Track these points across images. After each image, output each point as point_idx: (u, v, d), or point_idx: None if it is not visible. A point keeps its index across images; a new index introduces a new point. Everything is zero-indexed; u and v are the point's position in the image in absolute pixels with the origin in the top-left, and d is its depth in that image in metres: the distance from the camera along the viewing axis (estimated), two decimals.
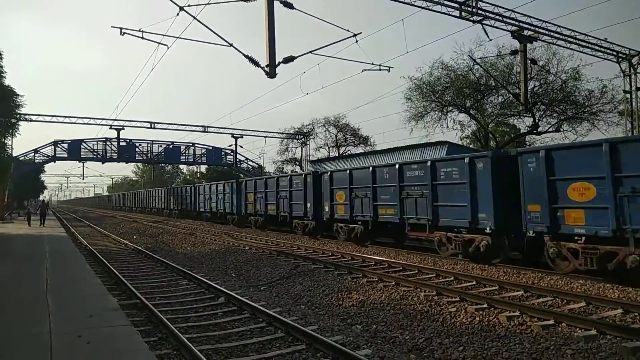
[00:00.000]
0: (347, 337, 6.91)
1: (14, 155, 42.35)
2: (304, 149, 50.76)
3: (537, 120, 29.52)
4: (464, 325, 7.20)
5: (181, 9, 13.75)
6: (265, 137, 50.11)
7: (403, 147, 30.64)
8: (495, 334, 6.73)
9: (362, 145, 48.35)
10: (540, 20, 20.52)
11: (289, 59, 14.17)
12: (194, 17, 13.93)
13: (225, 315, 8.21)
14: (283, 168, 53.19)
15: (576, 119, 29.00)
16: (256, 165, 53.98)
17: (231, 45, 14.18)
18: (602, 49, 23.24)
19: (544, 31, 20.81)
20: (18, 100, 32.81)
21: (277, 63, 13.56)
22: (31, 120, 40.27)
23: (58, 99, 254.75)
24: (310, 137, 50.14)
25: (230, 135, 49.68)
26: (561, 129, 29.78)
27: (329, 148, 49.41)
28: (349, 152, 46.99)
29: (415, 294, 9.00)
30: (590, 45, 22.70)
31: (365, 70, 18.82)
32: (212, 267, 14.44)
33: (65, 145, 44.96)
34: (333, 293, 9.71)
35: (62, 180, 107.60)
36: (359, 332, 7.30)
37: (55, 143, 44.46)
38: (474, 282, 10.16)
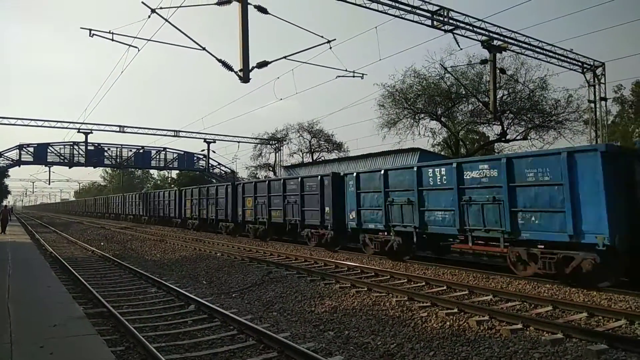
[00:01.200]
0: (319, 344, 6.87)
1: None
2: (277, 154, 50.62)
3: (505, 129, 30.24)
4: (435, 330, 7.26)
5: (153, 11, 13.54)
6: (238, 142, 49.77)
7: (376, 153, 30.83)
8: (465, 338, 6.80)
9: (336, 151, 48.52)
10: (509, 30, 21.07)
11: (262, 64, 14.11)
12: (166, 20, 13.74)
13: (195, 323, 8.06)
14: (256, 174, 52.86)
15: (543, 128, 29.82)
16: (229, 171, 53.53)
17: (204, 48, 14.04)
18: (568, 60, 23.99)
19: (512, 41, 21.36)
20: None
21: (250, 68, 13.48)
22: None
23: (24, 100, 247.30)
24: (284, 142, 50.04)
25: (203, 140, 49.15)
26: (528, 137, 30.57)
27: (302, 154, 49.42)
28: (322, 158, 47.07)
29: (387, 300, 9.03)
30: (557, 56, 23.41)
31: (339, 76, 18.92)
32: (183, 274, 14.19)
33: (31, 149, 43.71)
34: (305, 299, 9.67)
35: (27, 185, 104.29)
36: (331, 339, 7.27)
37: (20, 147, 43.15)
38: (445, 287, 10.28)
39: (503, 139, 30.92)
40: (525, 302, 8.73)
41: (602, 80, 24.88)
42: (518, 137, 31.02)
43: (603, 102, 25.22)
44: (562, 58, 23.67)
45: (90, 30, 15.11)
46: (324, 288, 10.42)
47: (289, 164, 46.49)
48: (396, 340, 6.98)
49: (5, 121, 39.90)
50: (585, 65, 24.61)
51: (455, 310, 8.08)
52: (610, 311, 7.76)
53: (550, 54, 23.13)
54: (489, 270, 12.22)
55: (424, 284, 10.82)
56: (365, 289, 10.16)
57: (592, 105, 25.18)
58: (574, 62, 24.31)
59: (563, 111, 28.95)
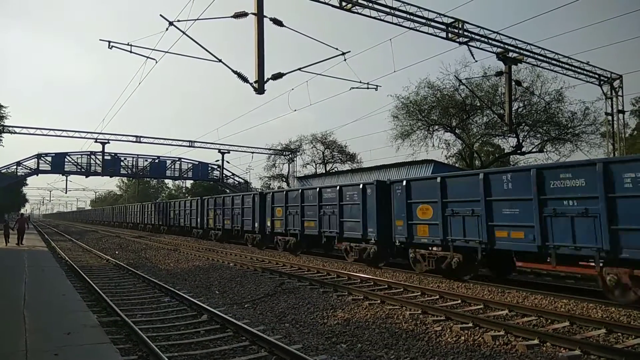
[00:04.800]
0: (332, 357, 6.81)
1: None
2: (290, 165, 50.81)
3: (521, 141, 30.03)
4: (449, 344, 7.15)
5: (170, 23, 13.79)
6: (252, 152, 50.14)
7: (389, 165, 30.79)
8: (480, 353, 6.69)
9: (349, 163, 48.56)
10: (525, 42, 21.00)
11: (277, 76, 14.24)
12: (183, 32, 13.97)
13: (207, 334, 8.06)
14: (270, 184, 53.09)
15: (559, 140, 29.55)
16: (242, 181, 53.79)
17: (220, 60, 14.21)
18: (585, 72, 23.79)
19: (528, 53, 21.28)
20: (2, 111, 32.27)
21: (265, 79, 13.61)
22: (15, 132, 39.81)
23: (43, 111, 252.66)
24: (298, 153, 50.25)
25: (217, 150, 49.59)
26: (544, 150, 30.30)
27: (315, 165, 49.54)
28: (335, 169, 47.09)
29: (401, 313, 8.94)
30: (573, 68, 23.24)
31: (353, 88, 19.02)
32: (196, 283, 14.23)
33: (49, 158, 44.45)
34: (318, 311, 9.61)
35: (44, 194, 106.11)
36: (344, 351, 7.20)
37: (38, 156, 43.91)
38: (459, 301, 10.14)
39: (518, 151, 30.71)
40: (542, 317, 8.56)
41: (620, 93, 24.62)
42: (534, 150, 30.80)
43: (620, 115, 24.92)
44: (579, 70, 23.50)
45: (109, 42, 15.42)
46: (337, 300, 10.36)
47: (302, 175, 46.60)
48: (410, 354, 6.89)
49: (24, 131, 40.72)
50: (602, 78, 24.38)
51: (470, 324, 7.96)
52: (629, 328, 7.57)
53: (567, 66, 22.97)
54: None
55: (437, 297, 10.69)
56: (379, 301, 10.07)
57: (610, 118, 24.89)
58: (591, 74, 24.10)
59: (579, 124, 28.72)
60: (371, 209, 15.91)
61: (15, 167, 43.59)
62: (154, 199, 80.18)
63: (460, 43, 19.12)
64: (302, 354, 6.43)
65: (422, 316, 8.66)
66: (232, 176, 53.10)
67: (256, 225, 24.43)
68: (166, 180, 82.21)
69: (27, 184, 59.72)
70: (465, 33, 18.94)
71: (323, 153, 48.97)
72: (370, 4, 16.98)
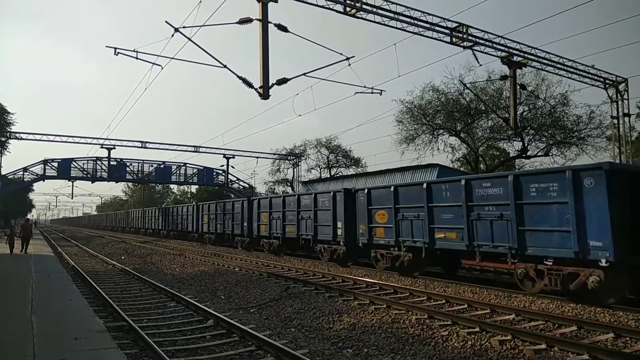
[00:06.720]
0: None
1: (3, 173, 41.95)
2: (295, 169, 50.85)
3: (526, 145, 29.93)
4: (456, 349, 7.13)
5: (176, 30, 13.89)
6: (257, 157, 50.21)
7: (394, 169, 30.75)
8: (487, 358, 6.66)
9: (354, 167, 48.56)
10: (529, 46, 20.93)
11: (282, 81, 14.27)
12: (189, 39, 14.06)
13: (213, 338, 8.07)
14: (274, 189, 53.13)
15: (565, 144, 29.44)
16: (247, 186, 53.88)
17: (225, 66, 14.29)
18: (590, 76, 23.68)
19: (533, 57, 21.20)
20: (8, 118, 32.57)
21: (270, 85, 13.65)
22: (21, 139, 40.07)
23: (50, 116, 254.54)
24: (302, 158, 50.29)
25: (222, 155, 49.71)
26: (550, 154, 30.20)
27: (320, 169, 49.55)
28: (340, 174, 47.09)
29: (407, 317, 8.92)
30: (578, 72, 23.13)
31: (357, 92, 19.05)
32: (201, 288, 14.25)
33: (55, 164, 44.67)
34: (324, 316, 9.60)
35: (50, 199, 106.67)
36: (350, 356, 7.19)
37: (45, 162, 44.14)
38: (466, 306, 10.11)
39: (524, 155, 30.60)
40: (549, 321, 8.53)
41: (625, 96, 24.45)
42: (539, 154, 30.70)
43: (626, 118, 24.78)
44: (584, 74, 23.38)
45: (115, 48, 15.54)
46: (342, 304, 10.35)
47: (306, 180, 46.63)
48: (416, 359, 6.87)
49: (30, 137, 40.97)
50: (607, 81, 24.26)
51: (477, 329, 7.93)
52: (638, 332, 7.53)
53: (572, 69, 22.86)
54: None
55: (444, 302, 10.65)
56: (385, 306, 10.05)
57: (615, 121, 24.76)
58: (596, 77, 23.98)
59: (585, 127, 28.61)
60: (594, 213, 9.70)
61: (21, 173, 43.85)
62: (159, 204, 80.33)
63: (464, 47, 19.09)
64: (308, 359, 6.42)
65: (429, 321, 8.64)
66: (237, 181, 53.21)
67: (339, 233, 18.02)
68: (171, 186, 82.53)
69: (33, 190, 60.04)
70: (470, 37, 18.90)
71: (327, 158, 49.02)
72: (374, 9, 17.01)
